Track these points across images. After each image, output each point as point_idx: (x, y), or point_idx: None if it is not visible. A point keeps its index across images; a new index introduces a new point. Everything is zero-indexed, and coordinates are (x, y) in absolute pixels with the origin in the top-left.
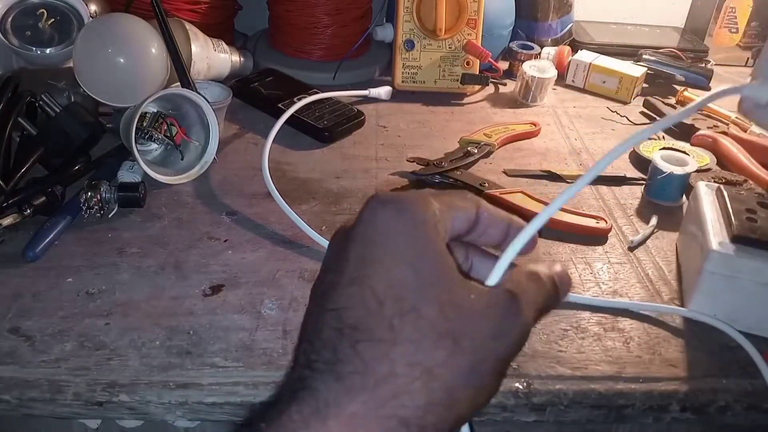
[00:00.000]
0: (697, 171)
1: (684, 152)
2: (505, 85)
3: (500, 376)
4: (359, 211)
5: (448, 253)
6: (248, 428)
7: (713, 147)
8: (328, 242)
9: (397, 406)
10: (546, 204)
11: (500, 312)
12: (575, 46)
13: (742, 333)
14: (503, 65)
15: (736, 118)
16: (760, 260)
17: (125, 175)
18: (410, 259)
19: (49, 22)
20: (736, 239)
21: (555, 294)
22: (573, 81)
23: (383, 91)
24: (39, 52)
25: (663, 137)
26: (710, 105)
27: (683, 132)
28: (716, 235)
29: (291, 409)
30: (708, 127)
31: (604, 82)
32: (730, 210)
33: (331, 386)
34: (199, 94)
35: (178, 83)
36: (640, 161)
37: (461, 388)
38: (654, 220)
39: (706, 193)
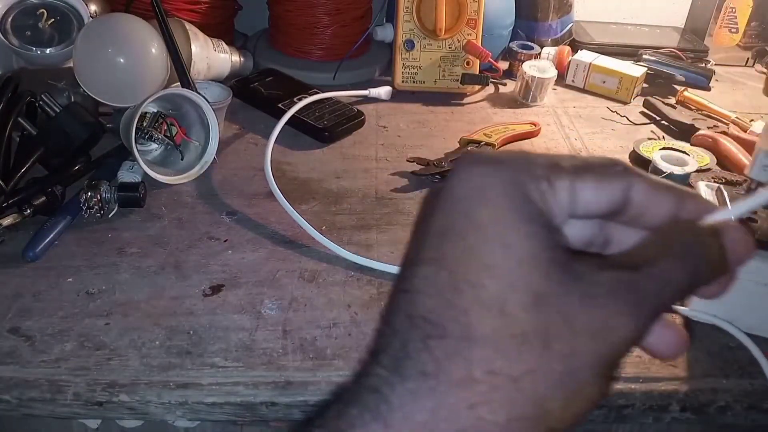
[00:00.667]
0: (697, 171)
1: (684, 152)
2: (505, 85)
3: (605, 378)
4: (451, 171)
5: (553, 231)
6: (305, 428)
7: (713, 147)
8: (328, 241)
9: (473, 418)
10: None
11: (602, 304)
12: (575, 46)
13: (743, 333)
14: (503, 65)
15: (737, 117)
16: (760, 260)
17: (125, 175)
18: (500, 237)
19: (49, 22)
20: None
21: (720, 263)
22: (573, 81)
23: (383, 91)
24: (39, 52)
25: (663, 137)
26: (710, 105)
27: (683, 132)
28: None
29: (351, 413)
30: (708, 127)
31: (604, 82)
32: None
33: (396, 388)
34: (199, 94)
35: (178, 83)
36: (640, 161)
37: (554, 398)
38: None
39: (706, 193)
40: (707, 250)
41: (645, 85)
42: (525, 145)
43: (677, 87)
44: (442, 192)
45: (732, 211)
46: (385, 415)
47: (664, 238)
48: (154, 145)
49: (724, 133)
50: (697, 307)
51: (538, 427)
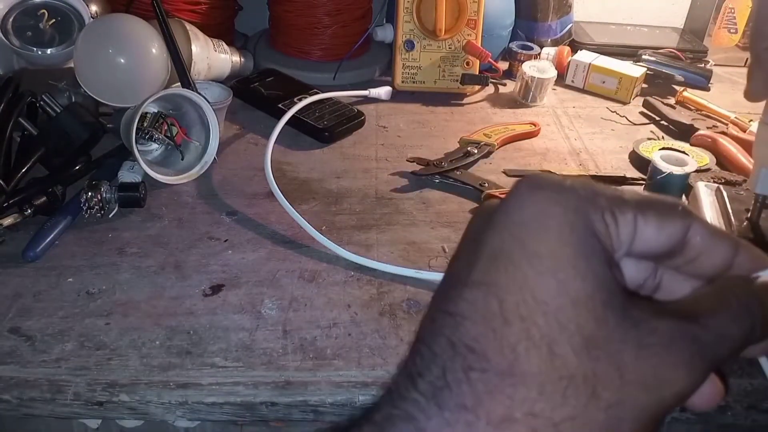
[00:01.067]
0: (697, 171)
1: (683, 152)
2: (505, 85)
3: (646, 430)
4: (510, 190)
5: (610, 269)
6: None
7: (713, 147)
8: (328, 241)
9: None
10: None
11: (658, 354)
12: (575, 47)
13: None
14: (503, 65)
15: (736, 118)
16: None
17: (125, 175)
18: (554, 268)
19: (50, 23)
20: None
21: None
22: (573, 81)
23: (383, 91)
24: (40, 53)
25: (663, 137)
26: (709, 105)
27: (683, 132)
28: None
29: None
30: (707, 127)
31: (603, 82)
32: (730, 210)
33: (433, 419)
34: (199, 94)
35: (179, 83)
36: (639, 161)
37: None
38: None
39: (705, 193)
40: (763, 308)
41: (644, 85)
42: (524, 144)
43: (677, 87)
44: (498, 211)
45: None
46: None
47: (722, 291)
48: (154, 145)
49: (724, 133)
50: None
51: None
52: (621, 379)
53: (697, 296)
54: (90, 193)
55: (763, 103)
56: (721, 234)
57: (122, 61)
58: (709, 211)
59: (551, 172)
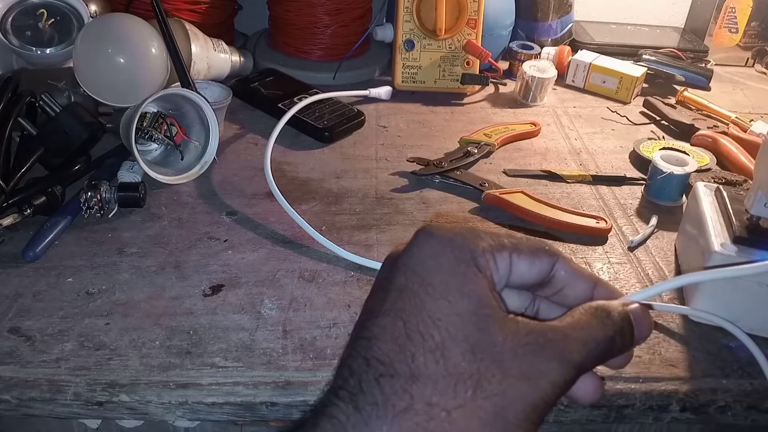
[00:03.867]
0: (697, 171)
1: (684, 152)
2: (505, 85)
3: (531, 423)
4: (410, 239)
5: (491, 294)
6: None
7: (713, 147)
8: (328, 241)
9: None
10: (547, 204)
11: (533, 350)
12: (575, 46)
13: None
14: (503, 65)
15: (736, 118)
16: (763, 261)
17: (125, 175)
18: (445, 293)
19: (50, 22)
20: (738, 240)
21: (628, 333)
22: (573, 81)
23: (383, 91)
24: (39, 52)
25: (663, 137)
26: (710, 105)
27: (683, 132)
28: (717, 235)
29: None
30: (708, 127)
31: (604, 82)
32: (731, 210)
33: (350, 416)
34: (199, 94)
35: (178, 83)
36: (640, 161)
37: None
38: (654, 220)
39: (705, 193)
40: (621, 324)
41: (645, 85)
42: (525, 144)
43: (677, 87)
44: (403, 256)
45: (639, 296)
46: None
47: (587, 310)
48: (154, 145)
49: (724, 133)
50: (698, 307)
51: None
52: (503, 374)
53: (567, 314)
54: (89, 193)
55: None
56: (582, 270)
57: (122, 60)
58: (710, 212)
59: (551, 171)
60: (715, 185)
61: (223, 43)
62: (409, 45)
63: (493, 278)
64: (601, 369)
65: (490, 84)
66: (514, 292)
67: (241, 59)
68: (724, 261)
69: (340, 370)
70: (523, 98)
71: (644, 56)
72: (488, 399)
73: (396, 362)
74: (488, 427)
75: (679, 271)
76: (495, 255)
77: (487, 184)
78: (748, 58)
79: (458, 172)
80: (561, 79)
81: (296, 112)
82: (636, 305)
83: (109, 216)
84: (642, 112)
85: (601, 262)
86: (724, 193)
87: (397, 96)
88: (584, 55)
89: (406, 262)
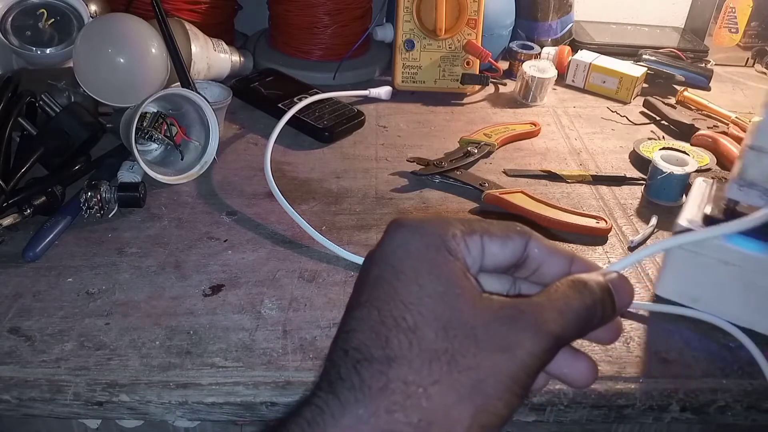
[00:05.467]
0: (697, 171)
1: (684, 152)
2: (505, 85)
3: (512, 394)
4: (383, 235)
5: (462, 270)
6: None
7: (713, 147)
8: (328, 242)
9: (391, 421)
10: (547, 204)
11: (506, 322)
12: (575, 46)
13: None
14: (503, 65)
15: (737, 117)
16: (723, 239)
17: (125, 175)
18: (416, 278)
19: (49, 22)
20: (707, 219)
21: (609, 303)
22: (573, 81)
23: (383, 91)
24: (39, 52)
25: (663, 137)
26: (710, 105)
27: (683, 132)
28: (689, 213)
29: (292, 425)
30: (708, 127)
31: (604, 82)
32: (714, 197)
33: (329, 401)
34: (199, 94)
35: (178, 83)
36: (640, 161)
37: (461, 408)
38: (654, 220)
39: (699, 186)
40: (600, 293)
41: (645, 85)
42: (525, 144)
43: (677, 87)
44: (376, 249)
45: (617, 266)
46: (318, 421)
47: (564, 283)
48: (154, 145)
49: (724, 133)
50: (664, 286)
51: None
52: (477, 348)
53: (542, 289)
54: (89, 193)
55: None
56: (557, 247)
57: (122, 60)
58: (694, 198)
59: (552, 171)
60: (712, 180)
61: (223, 43)
62: (409, 45)
63: (466, 261)
64: (603, 368)
65: (490, 84)
66: (493, 277)
67: (241, 59)
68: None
69: (323, 366)
70: (523, 98)
71: (644, 56)
72: (463, 373)
73: (372, 348)
74: (466, 401)
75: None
76: (466, 239)
77: (487, 184)
78: (748, 58)
79: (458, 172)
80: (561, 79)
81: (296, 112)
82: (614, 274)
83: (109, 216)
84: (642, 112)
85: (601, 262)
86: (715, 185)
87: (397, 96)
88: (584, 55)
89: (379, 254)
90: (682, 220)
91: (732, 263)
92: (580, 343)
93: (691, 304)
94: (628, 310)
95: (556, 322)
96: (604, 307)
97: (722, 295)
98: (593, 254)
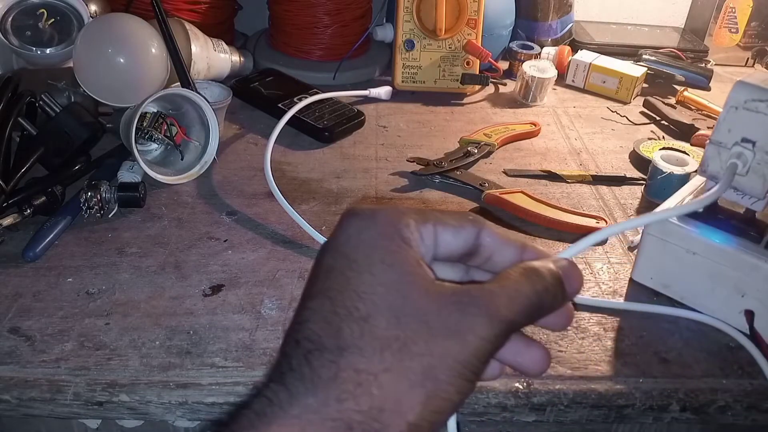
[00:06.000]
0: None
1: (684, 152)
2: (505, 85)
3: (463, 380)
4: (337, 224)
5: (415, 259)
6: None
7: None
8: None
9: (341, 410)
10: (547, 204)
11: (457, 308)
12: (575, 46)
13: (742, 333)
14: (503, 65)
15: None
16: (691, 229)
17: (125, 175)
18: (369, 266)
19: (49, 22)
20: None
21: (559, 290)
22: (573, 81)
23: (383, 91)
24: (39, 52)
25: (663, 137)
26: (710, 105)
27: (683, 132)
28: (668, 204)
29: (242, 415)
30: (708, 127)
31: (604, 82)
32: (699, 191)
33: (279, 393)
34: (199, 94)
35: (178, 83)
36: (640, 161)
37: (412, 394)
38: None
39: (692, 182)
40: (550, 279)
41: (645, 85)
42: (525, 144)
43: (677, 87)
44: (329, 239)
45: (567, 254)
46: (267, 412)
47: (515, 269)
48: (154, 145)
49: None
50: (639, 272)
51: (399, 419)
52: (429, 334)
53: (497, 275)
54: (89, 193)
55: None
56: (509, 235)
57: (122, 60)
58: (681, 193)
59: (551, 171)
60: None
61: (223, 43)
62: (409, 45)
63: (419, 250)
64: (603, 368)
65: (490, 84)
66: (447, 265)
67: (241, 59)
68: (658, 223)
69: (277, 358)
70: (523, 98)
71: (644, 56)
72: (415, 360)
73: (324, 338)
74: (417, 388)
75: None
76: (420, 228)
77: (487, 184)
78: (748, 58)
79: (458, 172)
80: (561, 79)
81: (296, 112)
82: (564, 261)
83: (109, 216)
84: (642, 112)
85: (601, 262)
86: (708, 182)
87: (397, 96)
88: (584, 55)
89: (332, 244)
90: (660, 210)
91: (698, 253)
92: (543, 337)
93: (662, 290)
94: (630, 309)
95: (507, 308)
96: (555, 294)
97: (690, 284)
98: (593, 254)
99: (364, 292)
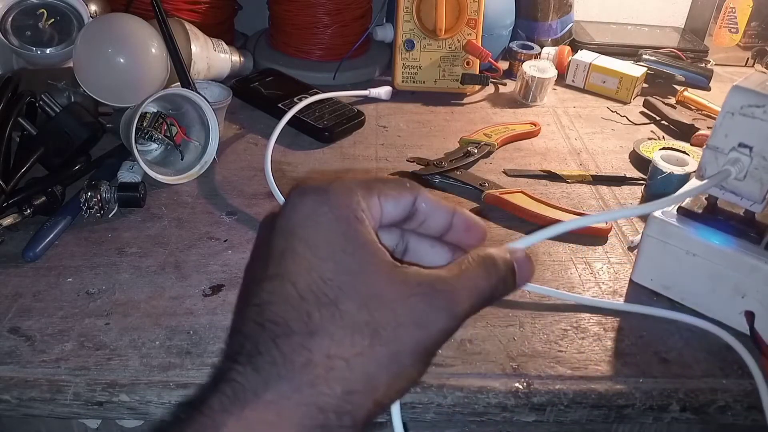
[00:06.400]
0: None
1: (684, 152)
2: (505, 85)
3: (423, 363)
4: (284, 201)
5: (375, 243)
6: (172, 421)
7: None
8: None
9: (314, 394)
10: (547, 204)
11: (423, 300)
12: (575, 46)
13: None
14: (503, 65)
15: None
16: (691, 230)
17: (125, 175)
18: (332, 253)
19: (49, 22)
20: (681, 211)
21: (511, 280)
22: (573, 81)
23: (383, 91)
24: (39, 52)
25: (663, 137)
26: (710, 105)
27: (683, 132)
28: (666, 206)
29: (212, 401)
30: (708, 127)
31: (604, 82)
32: (702, 195)
33: (250, 377)
34: (199, 94)
35: (178, 83)
36: (640, 161)
37: (380, 376)
38: None
39: (692, 182)
40: (505, 272)
41: (645, 85)
42: (525, 144)
43: (677, 87)
44: (278, 220)
45: (521, 243)
46: (240, 397)
47: (475, 259)
48: (154, 145)
49: None
50: (639, 273)
51: (367, 400)
52: (396, 322)
53: (454, 264)
54: (89, 193)
55: None
56: (442, 202)
57: (122, 60)
58: (679, 194)
59: (551, 171)
60: None
61: (223, 43)
62: (409, 45)
63: (372, 225)
64: (603, 368)
65: (490, 84)
66: (384, 230)
67: (241, 59)
68: (658, 225)
69: (233, 338)
70: (523, 98)
71: (644, 56)
72: (385, 345)
73: (291, 321)
74: (384, 369)
75: None
76: (368, 202)
77: (487, 184)
78: (748, 58)
79: (458, 172)
80: (561, 79)
81: (296, 112)
82: (521, 253)
83: (109, 216)
84: (642, 112)
85: (601, 262)
86: None
87: (397, 96)
88: (584, 55)
89: (284, 224)
90: (657, 211)
91: (697, 254)
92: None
93: (663, 292)
94: (629, 311)
95: (466, 302)
96: (506, 284)
97: (690, 285)
98: (593, 254)
99: (330, 279)
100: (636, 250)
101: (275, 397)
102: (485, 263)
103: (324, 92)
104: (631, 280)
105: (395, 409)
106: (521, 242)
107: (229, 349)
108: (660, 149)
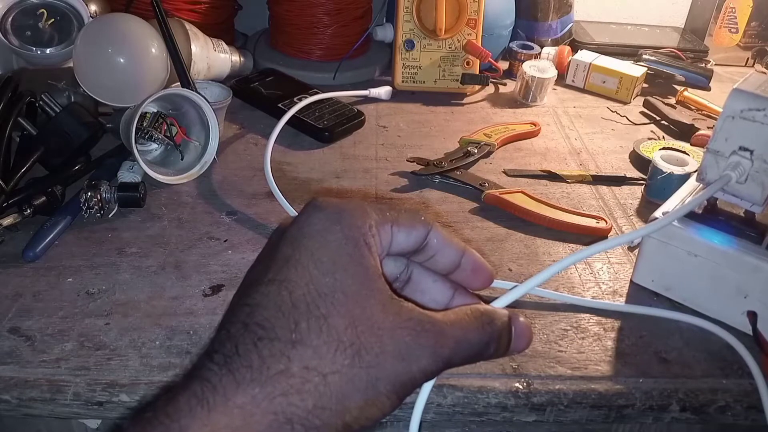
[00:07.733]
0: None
1: (684, 152)
2: (505, 85)
3: (397, 398)
4: (300, 211)
5: (377, 271)
6: (139, 415)
7: None
8: None
9: (285, 404)
10: (547, 204)
11: (410, 334)
12: (575, 46)
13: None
14: (503, 65)
15: None
16: (692, 231)
17: (125, 175)
18: (333, 270)
19: (49, 22)
20: (687, 214)
21: (505, 341)
22: (573, 81)
23: (383, 91)
24: (39, 52)
25: (663, 137)
26: (710, 105)
27: (683, 132)
28: (667, 206)
29: (179, 398)
30: (708, 127)
31: (604, 82)
32: (698, 190)
33: (222, 378)
34: (199, 94)
35: (178, 83)
36: (640, 161)
37: (353, 399)
38: None
39: (690, 183)
40: (500, 332)
41: (645, 85)
42: (525, 144)
43: (677, 87)
44: (291, 228)
45: (510, 296)
46: (209, 398)
47: (469, 311)
48: (154, 145)
49: None
50: (640, 274)
51: (337, 419)
52: (380, 349)
53: (453, 311)
54: (89, 193)
55: None
56: (453, 239)
57: (122, 60)
58: (680, 193)
59: (551, 171)
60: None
61: (223, 43)
62: (409, 45)
63: (379, 253)
64: (603, 368)
65: (490, 84)
66: (390, 258)
67: (241, 59)
68: (659, 226)
69: (217, 335)
70: (523, 98)
71: (644, 56)
72: (364, 369)
73: (277, 327)
74: (359, 393)
75: None
76: (379, 229)
77: (487, 184)
78: (748, 58)
79: (458, 172)
80: (561, 79)
81: (296, 112)
82: (521, 318)
83: (109, 216)
84: (642, 112)
85: (601, 262)
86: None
87: (397, 96)
88: (584, 55)
89: (295, 234)
90: (658, 212)
91: (699, 255)
92: None
93: (664, 293)
94: (629, 312)
95: (451, 349)
96: (499, 344)
97: (692, 286)
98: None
99: (325, 294)
100: (636, 250)
101: (245, 401)
102: (482, 318)
103: (324, 92)
104: (631, 281)
105: (418, 405)
106: (504, 297)
107: (210, 345)
108: (660, 149)
